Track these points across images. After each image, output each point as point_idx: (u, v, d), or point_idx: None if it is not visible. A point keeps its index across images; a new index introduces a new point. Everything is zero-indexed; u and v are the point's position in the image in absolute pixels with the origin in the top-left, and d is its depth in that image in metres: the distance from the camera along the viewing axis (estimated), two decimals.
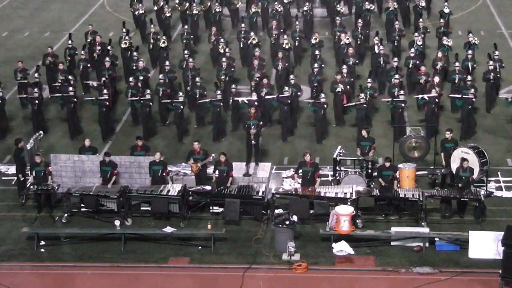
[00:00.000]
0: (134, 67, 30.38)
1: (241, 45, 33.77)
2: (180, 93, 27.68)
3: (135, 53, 31.44)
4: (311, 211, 22.00)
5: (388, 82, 29.08)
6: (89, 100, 28.46)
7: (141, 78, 29.53)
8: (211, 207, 22.79)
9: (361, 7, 36.95)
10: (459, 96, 27.14)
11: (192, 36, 34.68)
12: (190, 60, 30.28)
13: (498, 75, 29.11)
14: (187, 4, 37.70)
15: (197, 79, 28.74)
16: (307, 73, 31.55)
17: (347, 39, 32.31)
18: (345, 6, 37.79)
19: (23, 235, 21.64)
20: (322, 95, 27.30)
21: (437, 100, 27.11)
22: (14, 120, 29.36)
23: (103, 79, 29.07)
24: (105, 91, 27.82)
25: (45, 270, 20.41)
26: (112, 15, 42.34)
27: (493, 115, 28.96)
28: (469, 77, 27.75)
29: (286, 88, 27.67)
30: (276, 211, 22.03)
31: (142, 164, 23.34)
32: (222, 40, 32.63)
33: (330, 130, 28.05)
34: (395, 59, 30.23)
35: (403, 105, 27.09)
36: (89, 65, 31.51)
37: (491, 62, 29.09)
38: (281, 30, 34.78)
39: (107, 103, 27.62)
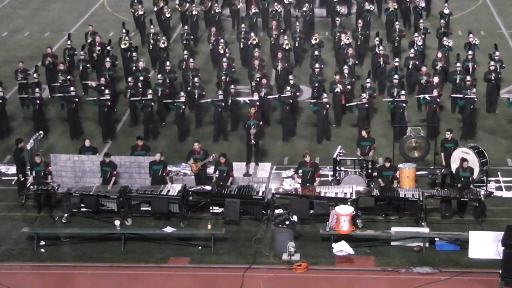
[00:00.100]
0: (134, 68, 30.39)
1: (241, 46, 33.78)
2: (182, 93, 27.69)
3: (134, 54, 31.43)
4: (311, 211, 22.00)
5: (389, 82, 29.08)
6: (91, 100, 28.43)
7: (141, 78, 29.54)
8: (211, 207, 22.79)
9: (362, 7, 36.94)
10: (461, 96, 27.15)
11: (192, 37, 34.68)
12: (191, 60, 30.28)
13: (499, 76, 29.12)
14: (187, 5, 37.70)
15: (196, 79, 28.74)
16: (306, 73, 31.58)
17: (347, 39, 32.31)
18: (343, 6, 37.66)
19: (23, 235, 21.64)
20: (324, 95, 27.32)
21: (438, 100, 27.12)
22: (14, 120, 29.36)
23: (102, 79, 29.05)
24: (106, 91, 27.83)
25: (45, 270, 20.41)
26: (112, 15, 42.35)
27: (493, 115, 28.97)
28: (468, 77, 27.77)
29: (288, 88, 27.68)
30: (276, 211, 22.03)
31: (142, 164, 23.35)
32: (222, 40, 32.63)
33: (330, 130, 28.02)
34: (396, 59, 30.23)
35: (404, 105, 27.11)
36: (88, 65, 31.53)
37: (492, 63, 29.10)
38: (281, 31, 34.78)
39: (109, 103, 27.63)
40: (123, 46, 32.68)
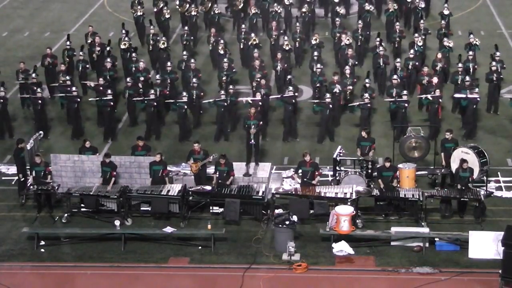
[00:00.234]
0: (134, 68, 30.39)
1: (241, 46, 33.78)
2: (184, 93, 27.71)
3: (134, 54, 31.43)
4: (311, 211, 22.01)
5: (390, 82, 29.09)
6: (94, 100, 28.44)
7: (141, 79, 29.56)
8: (211, 207, 22.79)
9: (362, 8, 36.94)
10: (464, 96, 27.16)
11: (192, 38, 34.69)
12: (192, 61, 30.28)
13: (501, 76, 29.16)
14: (187, 6, 37.70)
15: (194, 79, 28.75)
16: (306, 74, 31.58)
17: (348, 40, 32.32)
18: (342, 6, 37.65)
19: (23, 235, 21.64)
20: (327, 95, 27.34)
21: (440, 100, 27.15)
22: (14, 120, 29.34)
23: (101, 79, 29.09)
24: (109, 91, 27.86)
25: (45, 270, 20.41)
26: (112, 15, 42.35)
27: (493, 115, 28.98)
28: (467, 77, 27.78)
29: (290, 88, 27.69)
30: (276, 211, 22.03)
31: (142, 164, 23.35)
32: (221, 41, 32.63)
33: (334, 130, 28.02)
34: (398, 59, 30.21)
35: (406, 105, 27.13)
36: (87, 65, 31.53)
37: (493, 63, 29.10)
38: (281, 31, 34.78)
39: (112, 103, 27.65)
40: (122, 46, 32.68)
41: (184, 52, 31.55)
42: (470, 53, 30.41)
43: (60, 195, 23.08)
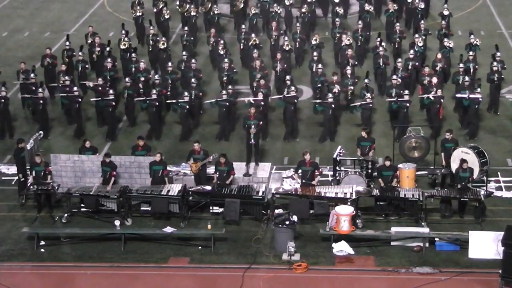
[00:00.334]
0: (134, 69, 30.39)
1: (242, 47, 33.79)
2: (186, 93, 27.72)
3: (134, 55, 31.43)
4: (311, 211, 22.01)
5: (391, 82, 29.09)
6: (95, 100, 28.44)
7: (142, 79, 29.57)
8: (211, 207, 22.79)
9: (363, 8, 36.95)
10: (467, 96, 27.17)
11: (192, 38, 34.72)
12: (193, 61, 30.28)
13: (502, 76, 29.18)
14: (187, 6, 37.70)
15: (193, 79, 28.76)
16: (306, 74, 31.57)
17: (348, 40, 32.33)
18: (341, 6, 37.65)
19: (23, 235, 21.64)
20: (330, 95, 27.35)
21: (442, 100, 27.16)
22: (15, 120, 29.32)
23: (100, 79, 29.13)
24: (111, 91, 27.89)
25: (45, 270, 20.41)
26: (112, 15, 42.35)
27: (493, 115, 28.98)
28: (466, 78, 27.79)
29: (292, 88, 27.70)
30: (276, 211, 22.03)
31: (142, 164, 23.35)
32: (221, 41, 32.64)
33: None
34: (399, 60, 30.19)
35: (408, 104, 27.15)
36: (87, 66, 31.53)
37: (495, 63, 29.12)
38: (281, 32, 34.79)
39: (114, 103, 27.67)
40: (122, 47, 32.70)
41: (184, 53, 31.55)
42: (471, 53, 30.42)
43: (60, 195, 23.08)
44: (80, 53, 31.67)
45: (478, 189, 22.58)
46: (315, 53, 31.13)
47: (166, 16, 36.55)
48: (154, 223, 22.35)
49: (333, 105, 27.16)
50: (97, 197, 22.47)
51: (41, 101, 27.88)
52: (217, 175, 22.91)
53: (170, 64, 30.07)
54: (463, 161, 22.28)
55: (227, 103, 27.60)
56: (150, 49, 33.54)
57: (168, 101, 28.61)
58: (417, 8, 36.56)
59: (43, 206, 22.97)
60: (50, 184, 22.95)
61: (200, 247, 21.10)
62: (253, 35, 33.43)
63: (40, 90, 28.13)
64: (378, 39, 31.87)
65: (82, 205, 22.82)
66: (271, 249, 20.79)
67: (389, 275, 19.76)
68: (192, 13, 36.77)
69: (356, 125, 28.11)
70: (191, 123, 28.31)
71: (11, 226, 22.37)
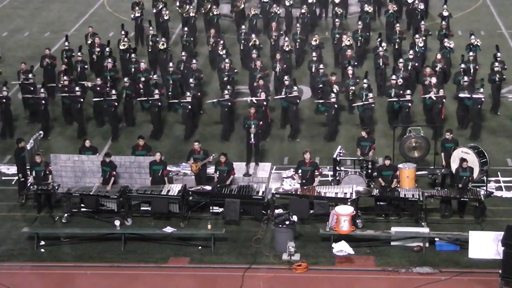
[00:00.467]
0: (133, 69, 30.40)
1: (242, 47, 33.78)
2: (188, 93, 27.72)
3: (133, 55, 31.43)
4: (311, 211, 22.00)
5: (390, 83, 29.10)
6: (97, 100, 28.45)
7: (142, 79, 29.58)
8: (211, 207, 22.79)
9: (363, 8, 36.96)
10: (469, 96, 27.18)
11: (192, 39, 34.72)
12: (193, 61, 30.29)
13: (504, 77, 29.22)
14: (187, 7, 37.70)
15: (191, 80, 28.77)
16: (306, 74, 31.56)
17: (348, 40, 32.33)
18: (340, 7, 37.65)
19: (23, 235, 21.64)
20: (332, 95, 27.37)
21: (444, 100, 27.17)
22: (15, 120, 29.31)
23: (98, 79, 29.16)
24: (113, 91, 27.90)
25: (45, 270, 20.41)
26: (112, 15, 42.35)
27: (493, 115, 28.99)
28: (465, 78, 27.78)
29: (295, 88, 27.72)
30: (276, 211, 22.03)
31: (142, 164, 23.35)
32: (221, 42, 32.65)
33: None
34: (400, 60, 30.16)
35: (410, 104, 27.17)
36: (86, 66, 31.53)
37: (496, 64, 29.15)
38: (281, 32, 34.79)
39: (116, 104, 27.69)
40: (122, 47, 32.69)
41: (183, 53, 31.56)
42: (471, 53, 30.43)
43: (60, 195, 23.08)
44: (79, 54, 31.67)
45: (478, 189, 22.58)
46: (314, 54, 31.16)
47: (166, 17, 36.54)
48: (154, 223, 22.35)
49: (336, 105, 27.18)
50: (97, 197, 22.47)
51: (43, 101, 27.89)
52: (217, 175, 22.90)
53: (171, 64, 30.07)
54: (462, 160, 22.29)
55: (229, 103, 27.61)
56: (150, 50, 33.54)
57: (170, 101, 28.61)
58: (417, 9, 36.56)
59: (43, 206, 22.97)
60: (50, 184, 22.95)
61: (200, 247, 21.10)
62: (253, 35, 33.43)
63: (42, 90, 28.14)
64: (378, 40, 31.87)
65: (82, 205, 22.82)
66: (271, 249, 20.79)
67: (389, 275, 19.76)
68: (191, 14, 36.76)
69: (356, 125, 28.13)
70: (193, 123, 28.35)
71: (11, 226, 22.37)
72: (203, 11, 38.45)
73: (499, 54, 30.04)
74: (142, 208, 22.88)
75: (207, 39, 34.32)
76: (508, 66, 30.23)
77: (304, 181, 22.66)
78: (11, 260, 20.73)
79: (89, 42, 33.44)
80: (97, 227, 21.99)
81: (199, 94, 28.82)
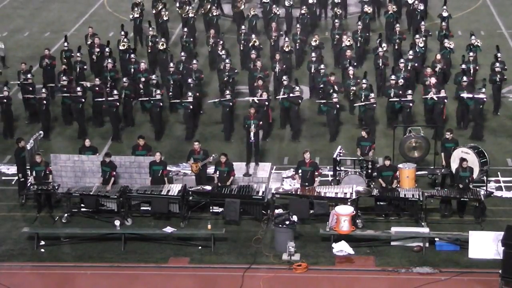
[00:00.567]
0: (133, 69, 30.40)
1: (241, 48, 33.78)
2: (190, 93, 27.72)
3: (133, 55, 31.44)
4: (311, 211, 22.01)
5: (389, 83, 29.09)
6: (99, 101, 28.45)
7: (142, 79, 29.58)
8: (211, 207, 22.79)
9: (363, 9, 36.97)
10: (471, 96, 27.20)
11: (191, 39, 34.72)
12: (194, 62, 30.29)
13: (505, 77, 29.23)
14: (188, 7, 37.70)
15: (190, 80, 28.77)
16: (306, 75, 31.56)
17: (348, 41, 32.33)
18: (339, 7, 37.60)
19: (23, 235, 21.64)
20: (334, 95, 27.40)
21: (445, 100, 27.17)
22: (15, 120, 29.30)
23: (97, 79, 29.20)
24: (115, 91, 27.92)
25: (45, 270, 20.42)
26: (112, 15, 42.36)
27: (493, 115, 29.00)
28: (464, 78, 27.80)
29: (297, 88, 27.73)
30: (276, 211, 22.03)
31: (142, 164, 23.35)
32: (221, 42, 32.66)
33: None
34: (401, 60, 30.15)
35: (411, 104, 27.20)
36: (85, 66, 31.53)
37: (497, 64, 29.16)
38: (281, 33, 34.80)
39: (118, 104, 27.70)
40: (121, 47, 32.69)
41: (182, 53, 31.56)
42: (471, 54, 30.45)
43: (60, 195, 23.08)
44: (78, 54, 31.67)
45: (478, 189, 22.58)
46: (313, 54, 31.18)
47: (165, 18, 36.53)
48: (154, 223, 22.35)
49: (338, 105, 27.21)
50: (97, 197, 22.47)
51: (44, 102, 27.89)
52: (217, 175, 22.89)
53: (171, 64, 30.07)
54: (462, 160, 22.29)
55: (231, 103, 27.62)
56: (149, 50, 33.55)
57: (172, 101, 28.62)
58: (417, 9, 36.56)
59: (43, 206, 22.97)
60: (50, 184, 22.95)
61: (200, 247, 21.10)
62: (253, 36, 33.44)
63: (43, 90, 28.16)
64: (378, 40, 31.87)
65: (82, 205, 22.82)
66: (271, 249, 20.79)
67: (389, 275, 19.76)
68: (190, 15, 36.75)
69: (356, 125, 28.13)
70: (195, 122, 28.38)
71: (11, 226, 22.38)
72: (202, 12, 38.44)
73: (499, 55, 30.04)
74: (142, 208, 22.88)
75: (207, 39, 34.32)
76: (508, 66, 30.24)
77: (304, 181, 22.64)
78: (11, 260, 20.73)
79: (89, 42, 33.44)
80: (97, 227, 21.99)
81: (197, 94, 28.82)
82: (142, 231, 21.69)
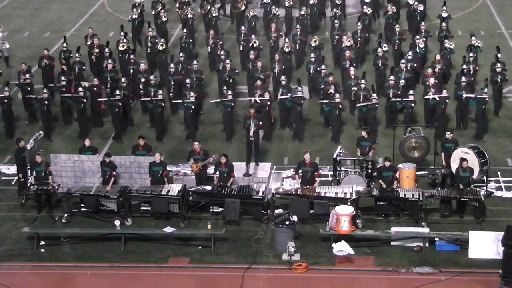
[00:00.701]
0: (132, 70, 30.40)
1: (241, 48, 33.78)
2: (192, 93, 27.72)
3: (132, 56, 31.43)
4: (311, 211, 22.01)
5: (388, 83, 29.10)
6: (102, 101, 28.46)
7: (142, 80, 29.58)
8: (211, 207, 22.79)
9: (362, 10, 36.98)
10: (473, 96, 27.21)
11: (191, 40, 34.71)
12: (194, 62, 30.29)
13: (506, 78, 29.24)
14: (187, 8, 37.68)
15: (188, 80, 28.76)
16: (306, 75, 31.56)
17: (349, 41, 32.33)
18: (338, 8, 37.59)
19: (23, 235, 21.64)
20: (337, 95, 27.40)
21: (447, 100, 27.18)
22: (15, 120, 29.30)
23: (95, 80, 29.20)
24: (117, 92, 27.93)
25: (45, 270, 20.42)
26: (112, 15, 42.35)
27: (493, 115, 28.99)
28: (463, 78, 27.80)
29: (300, 89, 27.74)
30: (276, 211, 22.03)
31: (142, 164, 23.36)
32: (220, 43, 32.66)
33: (328, 130, 28.06)
34: (403, 61, 30.13)
35: (412, 104, 27.20)
36: (84, 67, 31.52)
37: (498, 65, 29.17)
38: (280, 33, 34.78)
39: (120, 104, 27.71)
40: (121, 48, 32.68)
41: (181, 54, 31.56)
42: (471, 54, 30.45)
43: (60, 195, 23.08)
44: (77, 55, 31.66)
45: (478, 189, 22.58)
46: (312, 55, 31.18)
47: (164, 19, 36.50)
48: (154, 223, 22.36)
49: (340, 105, 27.21)
50: (97, 197, 22.47)
51: (46, 102, 27.89)
52: (217, 175, 22.89)
53: (172, 65, 30.07)
54: (462, 160, 22.29)
55: (232, 103, 27.62)
56: (149, 51, 33.55)
57: (174, 102, 28.64)
58: (416, 10, 36.55)
59: (43, 206, 22.97)
60: (50, 184, 22.95)
61: (200, 247, 21.10)
62: (253, 36, 33.43)
63: (45, 90, 28.19)
64: (378, 40, 31.87)
65: (82, 205, 22.82)
66: (271, 249, 20.79)
67: (389, 275, 19.77)
68: (189, 15, 36.75)
69: (356, 125, 28.12)
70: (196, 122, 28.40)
71: (11, 226, 22.38)
72: (202, 13, 38.44)
73: (499, 55, 30.04)
74: (142, 208, 22.88)
75: (206, 40, 34.32)
76: (508, 67, 30.24)
77: (304, 182, 22.64)
78: (11, 260, 20.73)
79: (88, 43, 33.43)
80: (97, 227, 21.99)
81: (196, 94, 28.78)
82: (142, 231, 21.69)
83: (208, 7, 38.01)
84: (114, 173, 22.90)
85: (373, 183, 23.19)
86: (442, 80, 30.11)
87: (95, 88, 28.83)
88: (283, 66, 30.82)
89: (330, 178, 24.02)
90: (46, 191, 22.83)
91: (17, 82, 29.96)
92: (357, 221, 21.42)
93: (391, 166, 22.65)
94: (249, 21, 36.80)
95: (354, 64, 30.98)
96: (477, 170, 23.05)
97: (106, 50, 32.03)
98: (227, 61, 30.30)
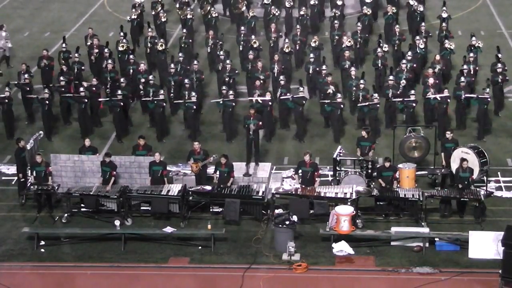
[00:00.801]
0: (132, 70, 30.40)
1: (241, 48, 33.78)
2: (193, 93, 27.72)
3: (131, 56, 31.43)
4: (311, 211, 22.01)
5: (387, 83, 29.12)
6: (103, 101, 28.47)
7: (142, 80, 29.57)
8: (211, 207, 22.79)
9: (361, 10, 36.98)
10: (475, 96, 27.21)
11: (190, 40, 34.73)
12: (195, 62, 30.29)
13: (507, 78, 29.24)
14: (187, 9, 37.66)
15: (186, 80, 28.75)
16: (305, 76, 31.57)
17: (349, 42, 32.34)
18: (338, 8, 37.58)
19: (23, 235, 21.65)
20: (339, 95, 27.40)
21: (449, 100, 27.19)
22: (15, 120, 29.29)
23: (94, 80, 29.21)
24: (119, 91, 27.94)
25: (45, 270, 20.43)
26: (112, 15, 42.35)
27: (493, 115, 28.99)
28: (462, 78, 27.80)
29: (301, 89, 27.74)
30: (276, 211, 22.04)
31: (142, 164, 23.36)
32: (220, 43, 32.65)
33: (328, 130, 28.06)
34: (403, 61, 30.13)
35: (414, 104, 27.19)
36: (83, 67, 31.52)
37: (499, 65, 29.17)
38: (280, 34, 34.79)
39: (121, 104, 27.71)
40: (120, 48, 32.67)
41: (180, 54, 31.56)
42: (471, 55, 30.45)
43: (60, 195, 23.08)
44: (76, 55, 31.66)
45: (478, 189, 22.58)
46: (312, 55, 31.18)
47: (163, 19, 36.49)
48: (154, 223, 22.36)
49: (342, 105, 27.22)
50: (97, 197, 22.48)
51: (47, 102, 27.90)
52: (217, 175, 22.89)
53: (172, 66, 30.06)
54: (462, 160, 22.30)
55: (233, 104, 27.62)
56: (148, 52, 33.55)
57: (175, 101, 28.65)
58: (416, 11, 36.55)
59: (43, 206, 22.98)
60: (50, 184, 22.95)
61: (200, 247, 21.11)
62: (253, 36, 33.43)
63: (46, 91, 28.19)
64: (380, 41, 31.89)
65: (82, 205, 22.82)
66: (271, 249, 20.79)
67: (389, 275, 19.77)
68: (189, 16, 36.74)
69: (356, 125, 28.12)
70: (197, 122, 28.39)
71: (11, 226, 22.38)
72: (202, 13, 38.44)
73: (500, 55, 30.04)
74: (142, 208, 22.89)
75: (206, 40, 34.31)
76: (508, 67, 30.24)
77: (304, 182, 22.64)
78: (11, 260, 20.74)
79: (88, 43, 33.43)
80: (97, 227, 22.00)
81: (196, 94, 28.81)
82: (142, 231, 21.69)
83: (208, 8, 38.00)
84: (114, 173, 22.90)
85: (373, 183, 23.19)
86: (442, 80, 30.08)
87: (94, 88, 28.82)
88: (283, 67, 30.82)
89: (330, 178, 24.02)
90: (46, 191, 22.83)
91: (16, 82, 29.92)
92: (357, 221, 21.43)
93: (391, 166, 22.65)
94: (249, 22, 36.80)
95: (354, 65, 30.99)
96: (477, 170, 23.05)
97: (106, 50, 32.02)
98: (227, 61, 30.31)
